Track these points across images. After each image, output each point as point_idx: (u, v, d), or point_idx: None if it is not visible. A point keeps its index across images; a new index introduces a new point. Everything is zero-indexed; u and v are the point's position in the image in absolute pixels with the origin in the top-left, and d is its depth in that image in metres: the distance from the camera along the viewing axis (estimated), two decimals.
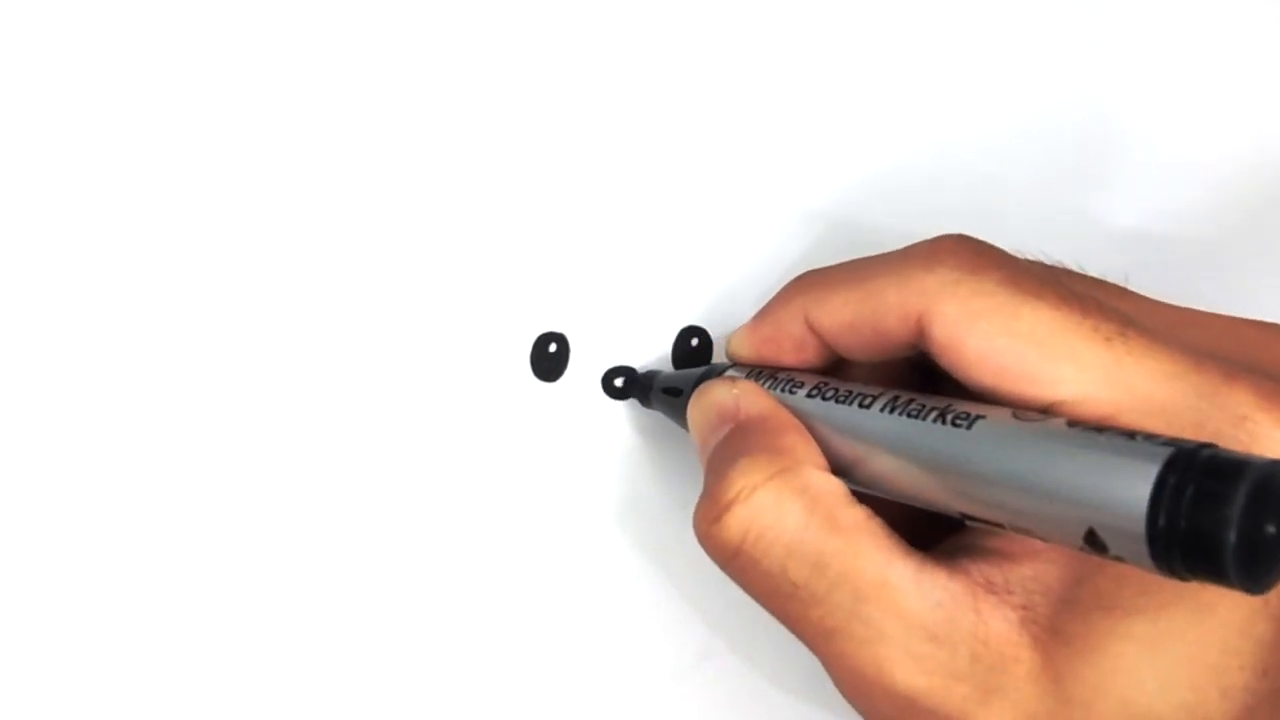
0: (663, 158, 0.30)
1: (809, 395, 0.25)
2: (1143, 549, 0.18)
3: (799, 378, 0.25)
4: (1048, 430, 0.20)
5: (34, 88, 0.27)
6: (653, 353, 0.31)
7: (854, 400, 0.24)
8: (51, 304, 0.27)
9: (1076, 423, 0.20)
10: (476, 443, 0.30)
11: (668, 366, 0.31)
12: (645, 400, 0.30)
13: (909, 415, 0.22)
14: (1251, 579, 0.18)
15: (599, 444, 0.30)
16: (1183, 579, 0.18)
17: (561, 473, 0.30)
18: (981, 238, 0.24)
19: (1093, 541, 0.19)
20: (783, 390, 0.25)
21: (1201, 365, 0.21)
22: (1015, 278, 0.22)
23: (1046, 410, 0.21)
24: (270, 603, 0.28)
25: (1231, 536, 0.17)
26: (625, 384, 0.30)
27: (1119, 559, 0.19)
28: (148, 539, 0.28)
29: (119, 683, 0.28)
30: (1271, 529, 0.17)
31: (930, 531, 0.24)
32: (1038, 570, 0.22)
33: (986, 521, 0.21)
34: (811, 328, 0.25)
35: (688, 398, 0.27)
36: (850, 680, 0.22)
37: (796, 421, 0.24)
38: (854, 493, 0.23)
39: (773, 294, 0.27)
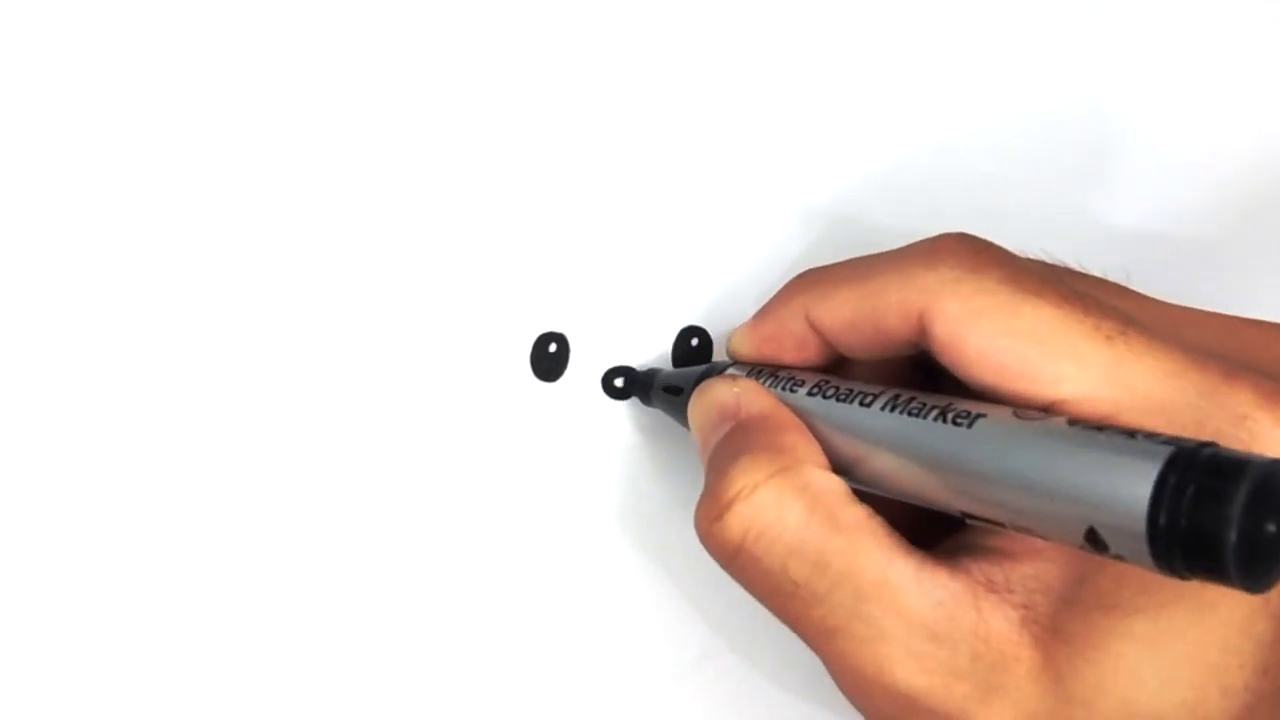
0: (662, 158, 0.30)
1: (810, 393, 0.25)
2: (1143, 548, 0.18)
3: (799, 376, 0.25)
4: (1048, 429, 0.20)
5: (34, 88, 0.27)
6: (653, 353, 0.31)
7: (855, 398, 0.24)
8: (52, 304, 0.27)
9: (1077, 421, 0.20)
10: (477, 443, 0.30)
11: (668, 366, 0.31)
12: (646, 398, 0.30)
13: (910, 414, 0.22)
14: (1252, 578, 0.18)
15: (599, 444, 0.30)
16: (1183, 578, 0.18)
17: (561, 473, 0.30)
18: (982, 237, 0.24)
19: (1093, 540, 0.19)
20: (783, 388, 0.25)
21: (1202, 364, 0.21)
22: (1016, 276, 0.22)
23: (1047, 409, 0.21)
24: (271, 602, 0.28)
25: (1232, 535, 0.17)
26: (625, 384, 0.30)
27: (1119, 558, 0.19)
28: (149, 539, 0.28)
29: (119, 683, 0.28)
30: (1272, 528, 0.18)
31: (931, 530, 0.24)
32: (1038, 569, 0.22)
33: (987, 520, 0.21)
34: (812, 326, 0.25)
35: (688, 396, 0.27)
36: (851, 679, 0.22)
37: (797, 420, 0.24)
38: (855, 491, 0.23)
39: (773, 293, 0.27)
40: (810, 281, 0.26)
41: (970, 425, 0.21)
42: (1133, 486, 0.18)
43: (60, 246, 0.27)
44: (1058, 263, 0.26)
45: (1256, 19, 0.33)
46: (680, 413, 0.27)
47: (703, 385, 0.27)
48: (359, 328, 0.29)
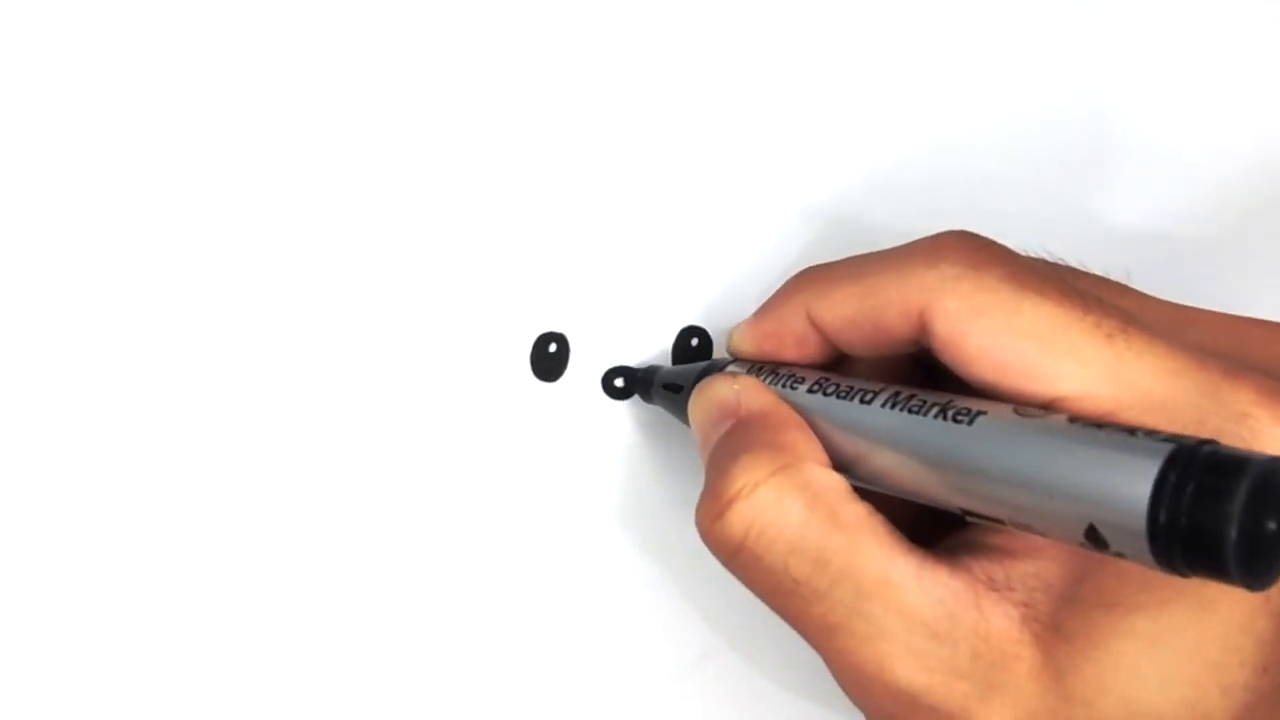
0: (662, 157, 0.30)
1: (810, 391, 0.25)
2: (1143, 545, 0.18)
3: (800, 373, 0.25)
4: (1049, 426, 0.20)
5: (34, 88, 0.27)
6: (653, 353, 0.31)
7: (855, 396, 0.24)
8: (52, 304, 0.27)
9: (1078, 419, 0.20)
10: (477, 443, 0.30)
11: (668, 364, 0.31)
12: (646, 396, 0.30)
13: (910, 411, 0.22)
14: (1252, 575, 0.18)
15: (599, 444, 0.30)
16: (1183, 575, 0.18)
17: (561, 473, 0.30)
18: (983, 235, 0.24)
19: (1093, 538, 0.19)
20: (784, 386, 0.25)
21: (1203, 362, 0.21)
22: (1017, 274, 0.22)
23: (1048, 406, 0.21)
24: (271, 602, 0.28)
25: (1232, 533, 0.17)
26: (625, 383, 0.30)
27: (1120, 555, 0.19)
28: (149, 539, 0.28)
29: (119, 683, 0.28)
30: (1272, 526, 0.17)
31: (932, 529, 0.24)
32: (1039, 567, 0.22)
33: (987, 517, 0.21)
34: (813, 323, 0.25)
35: (688, 393, 0.27)
36: (851, 677, 0.22)
37: (798, 417, 0.24)
38: (855, 489, 0.23)
39: (773, 292, 0.27)
40: (811, 279, 0.26)
41: (971, 422, 0.21)
42: (1133, 484, 0.18)
43: (60, 247, 0.27)
44: (1059, 261, 0.26)
45: (1256, 19, 0.33)
46: (680, 410, 0.27)
47: (703, 383, 0.27)
48: (359, 328, 0.29)
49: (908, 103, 0.32)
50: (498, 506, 0.30)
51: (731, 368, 0.27)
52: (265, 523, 0.28)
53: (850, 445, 0.24)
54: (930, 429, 0.22)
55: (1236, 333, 0.25)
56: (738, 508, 0.23)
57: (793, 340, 0.26)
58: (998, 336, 0.22)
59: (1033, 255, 0.25)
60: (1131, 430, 0.19)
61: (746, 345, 0.27)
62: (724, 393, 0.26)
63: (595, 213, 0.30)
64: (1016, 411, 0.21)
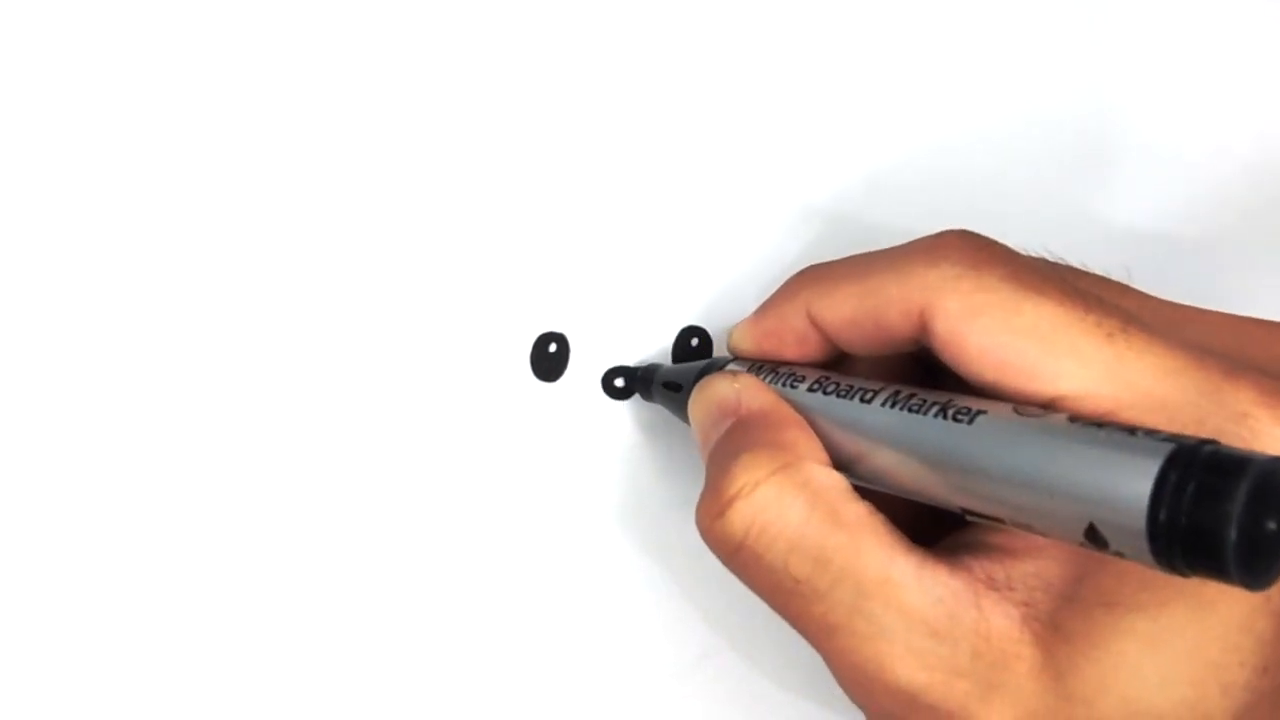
0: (662, 157, 0.30)
1: (810, 390, 0.25)
2: (1143, 545, 0.18)
3: (800, 372, 0.25)
4: (1049, 425, 0.20)
5: (34, 88, 0.27)
6: (653, 353, 0.31)
7: (855, 395, 0.24)
8: (52, 304, 0.27)
9: (1078, 418, 0.20)
10: (477, 443, 0.30)
11: (668, 363, 0.31)
12: (646, 394, 0.30)
13: (910, 410, 0.22)
14: (1252, 575, 0.18)
15: (599, 444, 0.30)
16: (1183, 575, 0.18)
17: (561, 473, 0.30)
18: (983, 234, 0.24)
19: (1093, 537, 0.19)
20: (784, 384, 0.25)
21: (1203, 362, 0.21)
22: (1018, 273, 0.22)
23: (1048, 405, 0.21)
24: (271, 602, 0.28)
25: (1232, 533, 0.17)
26: (625, 383, 0.30)
27: (1119, 555, 0.19)
28: (149, 539, 0.28)
29: (119, 683, 0.28)
30: (1272, 525, 0.17)
31: (932, 528, 0.24)
32: (1039, 567, 0.22)
33: (987, 516, 0.21)
34: (814, 322, 0.25)
35: (688, 392, 0.27)
36: (852, 676, 0.22)
37: (798, 416, 0.24)
38: (855, 488, 0.23)
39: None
40: (812, 278, 0.26)
41: (971, 421, 0.21)
42: (1133, 483, 0.18)
43: (61, 247, 0.27)
44: (1060, 260, 0.26)
45: (1256, 19, 0.33)
46: (680, 408, 0.27)
47: (703, 381, 0.27)
48: (359, 328, 0.29)
49: (908, 103, 0.32)
50: (498, 507, 0.30)
51: (731, 366, 0.27)
52: (266, 522, 0.28)
53: (850, 444, 0.24)
54: (930, 428, 0.22)
55: (1237, 332, 0.25)
56: (738, 507, 0.23)
57: (793, 339, 0.26)
58: (998, 336, 0.22)
59: (1033, 255, 0.25)
60: (1132, 430, 0.19)
61: (746, 343, 0.27)
62: (724, 391, 0.26)
63: (595, 213, 0.30)
64: (1016, 411, 0.21)
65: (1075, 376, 0.21)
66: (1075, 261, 0.26)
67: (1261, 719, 0.21)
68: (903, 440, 0.22)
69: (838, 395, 0.24)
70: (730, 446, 0.24)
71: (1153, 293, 0.26)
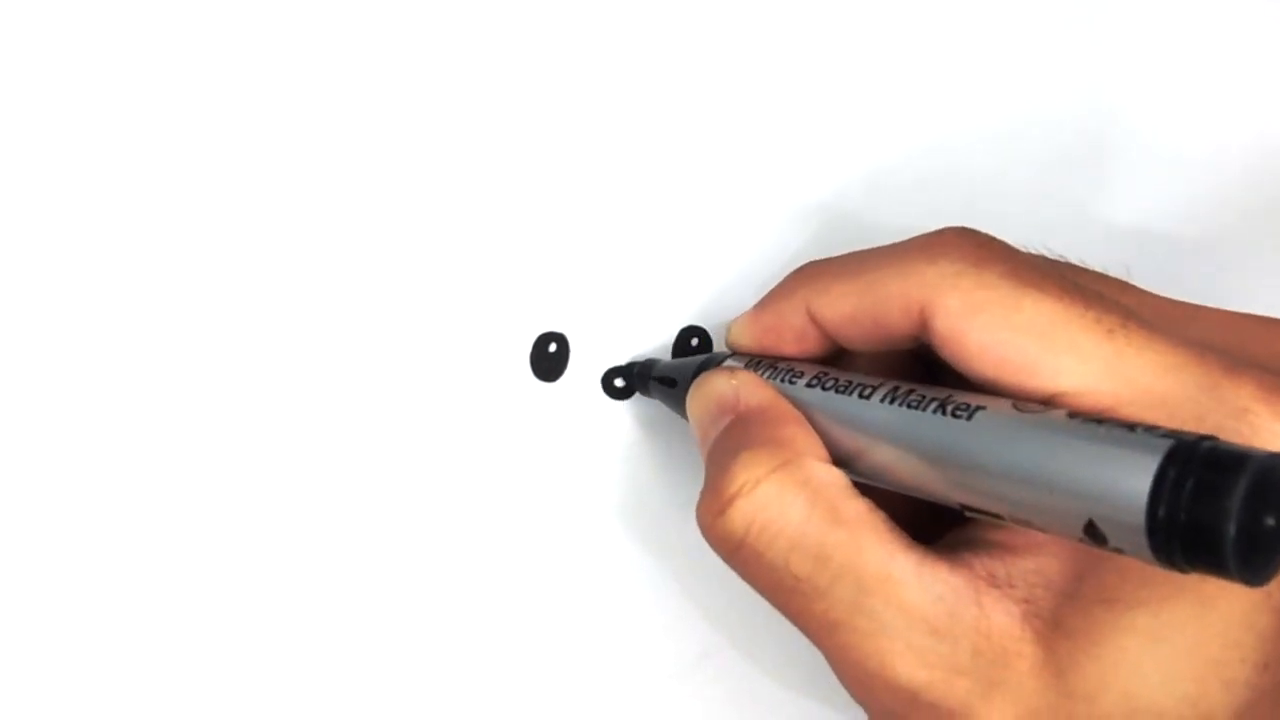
0: (661, 156, 0.30)
1: (809, 385, 0.25)
2: (1143, 541, 0.18)
3: (799, 367, 0.25)
4: (1048, 422, 0.20)
5: (34, 88, 0.27)
6: (653, 352, 0.31)
7: (854, 391, 0.24)
8: (52, 304, 0.27)
9: (1077, 414, 0.20)
10: (476, 443, 0.30)
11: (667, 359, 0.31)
12: (645, 389, 0.30)
13: (909, 406, 0.22)
14: (1251, 571, 0.18)
15: (599, 444, 0.30)
16: (1183, 571, 0.18)
17: (561, 473, 0.30)
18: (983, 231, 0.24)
19: (1092, 533, 0.19)
20: (782, 380, 0.25)
21: (1203, 358, 0.21)
22: (1017, 270, 0.22)
23: (1047, 402, 0.21)
24: (271, 602, 0.28)
25: (1231, 529, 0.17)
26: (625, 382, 0.30)
27: (1119, 551, 0.19)
28: (148, 539, 0.28)
29: (119, 683, 0.28)
30: (1271, 521, 0.18)
31: (932, 525, 0.24)
32: (1040, 564, 0.22)
33: (986, 513, 0.21)
34: (813, 318, 0.25)
35: (685, 388, 0.27)
36: (852, 674, 0.22)
37: (797, 412, 0.24)
38: (855, 484, 0.23)
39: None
40: (812, 274, 0.26)
41: (970, 418, 0.21)
42: (1132, 479, 0.18)
43: (61, 248, 0.27)
44: (1059, 258, 0.26)
45: (1256, 19, 0.33)
46: (678, 404, 0.27)
47: (701, 378, 0.27)
48: (359, 328, 0.29)
49: (908, 101, 0.32)
50: (498, 506, 0.30)
51: (729, 362, 0.27)
52: (266, 522, 0.28)
53: (849, 440, 0.23)
54: (929, 424, 0.22)
55: (1236, 329, 0.25)
56: (739, 505, 0.23)
57: (792, 335, 0.26)
58: (998, 332, 0.22)
59: (1033, 252, 0.25)
60: (1131, 426, 0.19)
61: (745, 339, 0.27)
62: (722, 388, 0.26)
63: (594, 213, 0.30)
64: (1016, 407, 0.21)
65: (1075, 373, 0.21)
66: (1075, 259, 0.26)
67: (1262, 715, 0.21)
68: (902, 436, 0.22)
69: (836, 391, 0.24)
70: (729, 444, 0.24)
71: (1153, 290, 0.26)
